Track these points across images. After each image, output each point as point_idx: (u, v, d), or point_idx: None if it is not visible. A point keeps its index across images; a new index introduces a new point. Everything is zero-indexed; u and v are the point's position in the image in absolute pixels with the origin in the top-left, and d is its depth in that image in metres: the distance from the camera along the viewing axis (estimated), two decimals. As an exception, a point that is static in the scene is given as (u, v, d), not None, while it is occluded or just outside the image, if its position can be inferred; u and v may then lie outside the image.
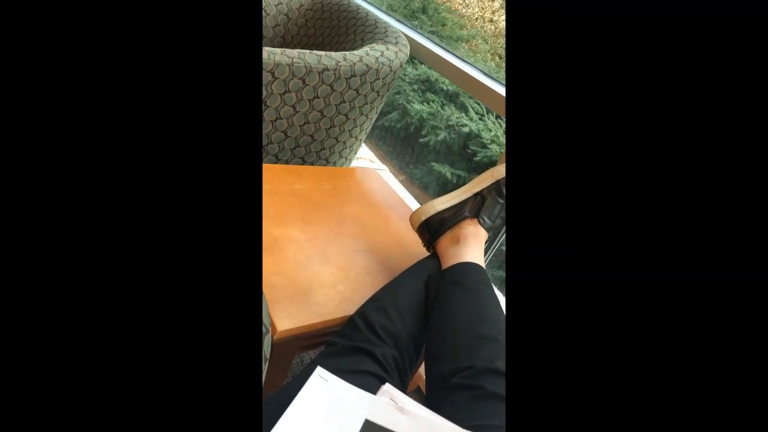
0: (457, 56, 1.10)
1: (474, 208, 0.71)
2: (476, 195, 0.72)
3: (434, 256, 0.70)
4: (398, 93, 2.54)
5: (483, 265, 0.65)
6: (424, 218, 0.72)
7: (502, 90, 0.95)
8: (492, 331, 0.51)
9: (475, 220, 0.70)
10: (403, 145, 2.59)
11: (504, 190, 0.72)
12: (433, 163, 2.31)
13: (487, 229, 0.70)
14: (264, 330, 0.40)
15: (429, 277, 0.65)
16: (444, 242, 0.69)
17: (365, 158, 1.98)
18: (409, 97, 2.47)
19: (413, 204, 1.59)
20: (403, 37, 1.06)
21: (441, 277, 0.63)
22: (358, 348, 0.50)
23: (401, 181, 2.42)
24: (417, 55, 1.11)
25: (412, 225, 0.75)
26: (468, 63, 1.07)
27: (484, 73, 1.03)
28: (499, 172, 0.73)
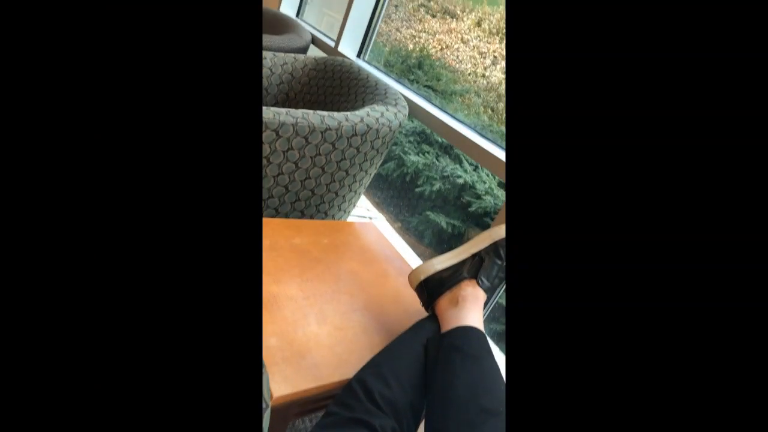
0: (449, 114, 1.15)
1: (472, 268, 0.71)
2: (474, 256, 0.73)
3: (433, 318, 0.70)
4: (395, 144, 2.63)
5: (482, 328, 0.65)
6: (423, 277, 0.72)
7: (490, 147, 0.99)
8: (494, 402, 0.50)
9: (474, 281, 0.70)
10: (399, 194, 2.64)
11: (501, 252, 0.73)
12: (429, 213, 2.34)
13: (485, 290, 0.71)
14: (264, 405, 0.39)
15: (428, 341, 0.64)
16: (443, 303, 0.69)
17: (361, 206, 2.01)
18: (405, 149, 2.54)
19: (410, 255, 1.59)
20: (402, 98, 1.11)
21: (440, 341, 0.63)
22: (358, 420, 0.49)
23: (396, 229, 2.43)
24: (412, 113, 1.16)
25: (410, 284, 0.75)
26: (458, 120, 1.12)
27: (475, 131, 1.08)
28: (497, 233, 0.74)
